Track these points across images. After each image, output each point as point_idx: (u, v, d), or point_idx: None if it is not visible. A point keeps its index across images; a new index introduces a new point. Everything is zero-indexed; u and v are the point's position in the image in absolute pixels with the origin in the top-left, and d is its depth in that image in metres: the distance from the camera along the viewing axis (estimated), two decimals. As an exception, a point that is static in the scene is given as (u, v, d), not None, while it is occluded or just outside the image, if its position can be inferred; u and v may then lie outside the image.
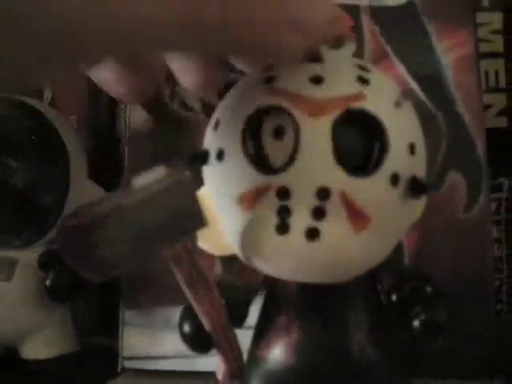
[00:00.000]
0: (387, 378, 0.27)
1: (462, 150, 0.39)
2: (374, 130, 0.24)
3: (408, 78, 0.39)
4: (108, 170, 0.47)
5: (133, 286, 0.41)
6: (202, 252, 0.26)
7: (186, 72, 0.27)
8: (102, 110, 0.52)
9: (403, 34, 0.39)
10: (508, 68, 0.47)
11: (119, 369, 0.41)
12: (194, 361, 0.38)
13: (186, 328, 0.27)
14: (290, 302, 0.27)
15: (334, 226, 0.23)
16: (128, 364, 0.41)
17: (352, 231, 0.23)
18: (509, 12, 0.47)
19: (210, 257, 0.29)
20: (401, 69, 0.39)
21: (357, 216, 0.23)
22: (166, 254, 0.23)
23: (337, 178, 0.23)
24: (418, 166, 0.25)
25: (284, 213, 0.23)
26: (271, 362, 0.27)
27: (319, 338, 0.27)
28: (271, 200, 0.24)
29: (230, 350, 0.26)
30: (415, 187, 0.24)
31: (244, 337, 0.27)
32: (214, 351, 0.26)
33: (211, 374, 0.28)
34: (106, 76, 0.27)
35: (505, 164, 0.46)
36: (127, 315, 0.41)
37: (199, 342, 0.26)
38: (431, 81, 0.39)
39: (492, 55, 0.46)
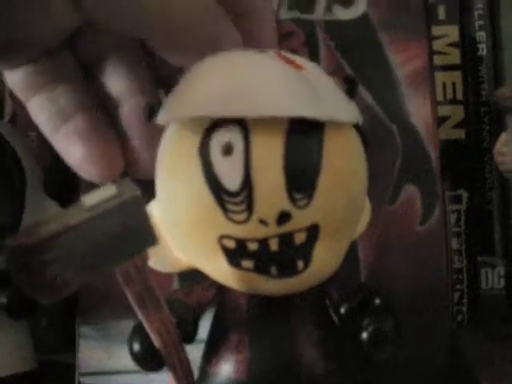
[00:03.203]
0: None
1: (417, 163, 0.39)
2: None
3: (363, 92, 0.39)
4: (66, 186, 0.47)
5: (89, 300, 0.41)
6: (153, 270, 0.26)
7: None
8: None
9: (358, 48, 0.40)
10: (465, 80, 0.47)
11: (76, 384, 0.41)
12: (151, 376, 0.38)
13: (136, 347, 0.26)
14: (240, 318, 0.27)
15: None
16: (84, 380, 0.41)
17: None
18: (465, 25, 0.47)
19: (167, 274, 0.30)
20: (356, 82, 0.39)
21: None
22: (117, 273, 0.23)
23: None
24: None
25: None
26: (222, 378, 0.27)
27: (270, 354, 0.27)
28: None
29: (180, 367, 0.26)
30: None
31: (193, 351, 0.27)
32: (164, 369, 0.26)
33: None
34: (78, 157, 0.28)
35: (463, 176, 0.47)
36: (83, 330, 0.41)
37: (149, 360, 0.26)
38: (386, 94, 0.40)
39: (449, 68, 0.47)
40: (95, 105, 0.29)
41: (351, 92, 0.25)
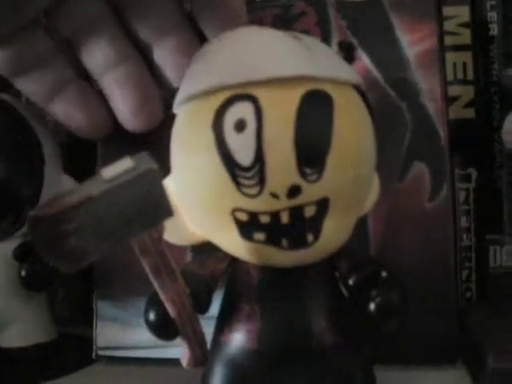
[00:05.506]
0: (347, 361, 0.28)
1: (426, 141, 0.39)
2: None
3: (374, 71, 0.40)
4: (83, 163, 0.48)
5: (107, 276, 0.42)
6: (167, 243, 0.26)
7: None
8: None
9: (369, 28, 0.40)
10: (475, 60, 0.47)
11: (94, 357, 0.41)
12: (166, 350, 0.39)
13: (152, 316, 0.27)
14: (252, 289, 0.28)
15: None
16: (102, 353, 0.41)
17: None
18: (476, 5, 0.47)
19: (180, 247, 0.30)
20: (366, 61, 0.40)
21: None
22: (133, 244, 0.23)
23: None
24: None
25: None
26: (234, 347, 0.28)
27: (280, 323, 0.27)
28: None
29: (194, 337, 0.27)
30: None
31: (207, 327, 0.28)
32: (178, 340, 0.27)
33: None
34: (63, 111, 0.29)
35: (473, 155, 0.47)
36: (101, 306, 0.42)
37: (164, 329, 0.27)
38: (396, 73, 0.40)
39: (460, 48, 0.47)
40: (81, 74, 0.30)
41: (349, 57, 0.26)
